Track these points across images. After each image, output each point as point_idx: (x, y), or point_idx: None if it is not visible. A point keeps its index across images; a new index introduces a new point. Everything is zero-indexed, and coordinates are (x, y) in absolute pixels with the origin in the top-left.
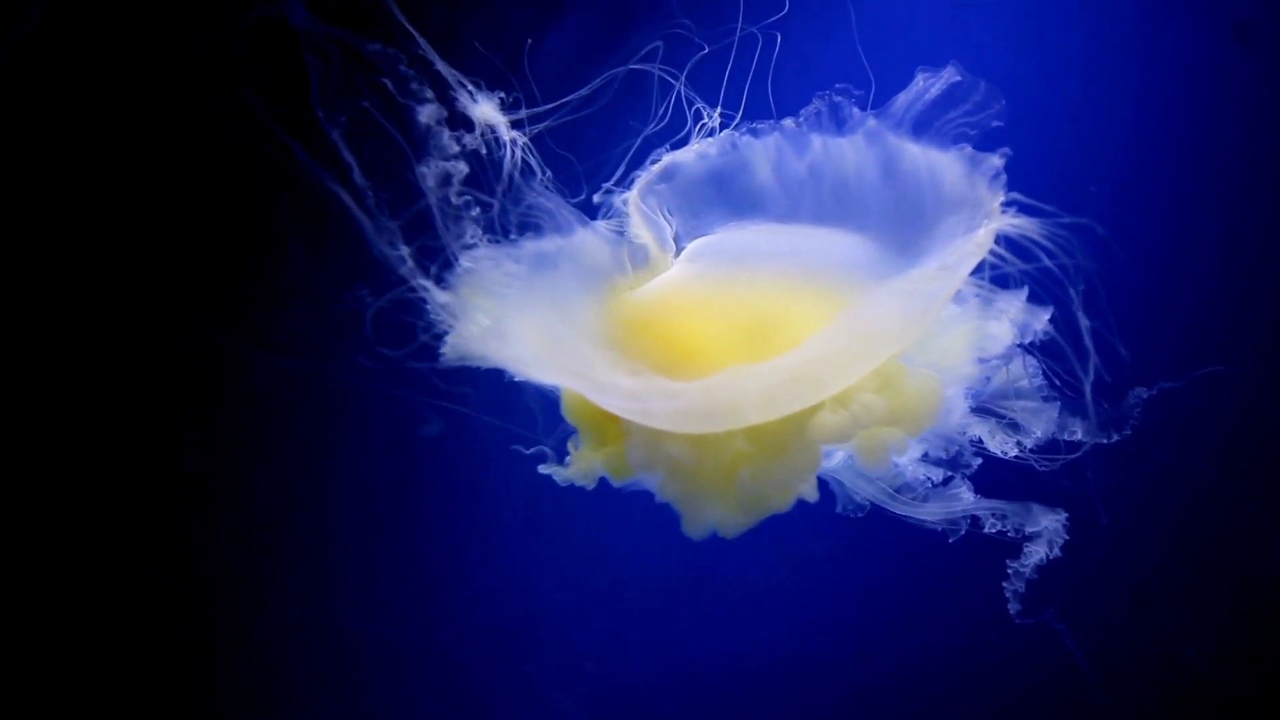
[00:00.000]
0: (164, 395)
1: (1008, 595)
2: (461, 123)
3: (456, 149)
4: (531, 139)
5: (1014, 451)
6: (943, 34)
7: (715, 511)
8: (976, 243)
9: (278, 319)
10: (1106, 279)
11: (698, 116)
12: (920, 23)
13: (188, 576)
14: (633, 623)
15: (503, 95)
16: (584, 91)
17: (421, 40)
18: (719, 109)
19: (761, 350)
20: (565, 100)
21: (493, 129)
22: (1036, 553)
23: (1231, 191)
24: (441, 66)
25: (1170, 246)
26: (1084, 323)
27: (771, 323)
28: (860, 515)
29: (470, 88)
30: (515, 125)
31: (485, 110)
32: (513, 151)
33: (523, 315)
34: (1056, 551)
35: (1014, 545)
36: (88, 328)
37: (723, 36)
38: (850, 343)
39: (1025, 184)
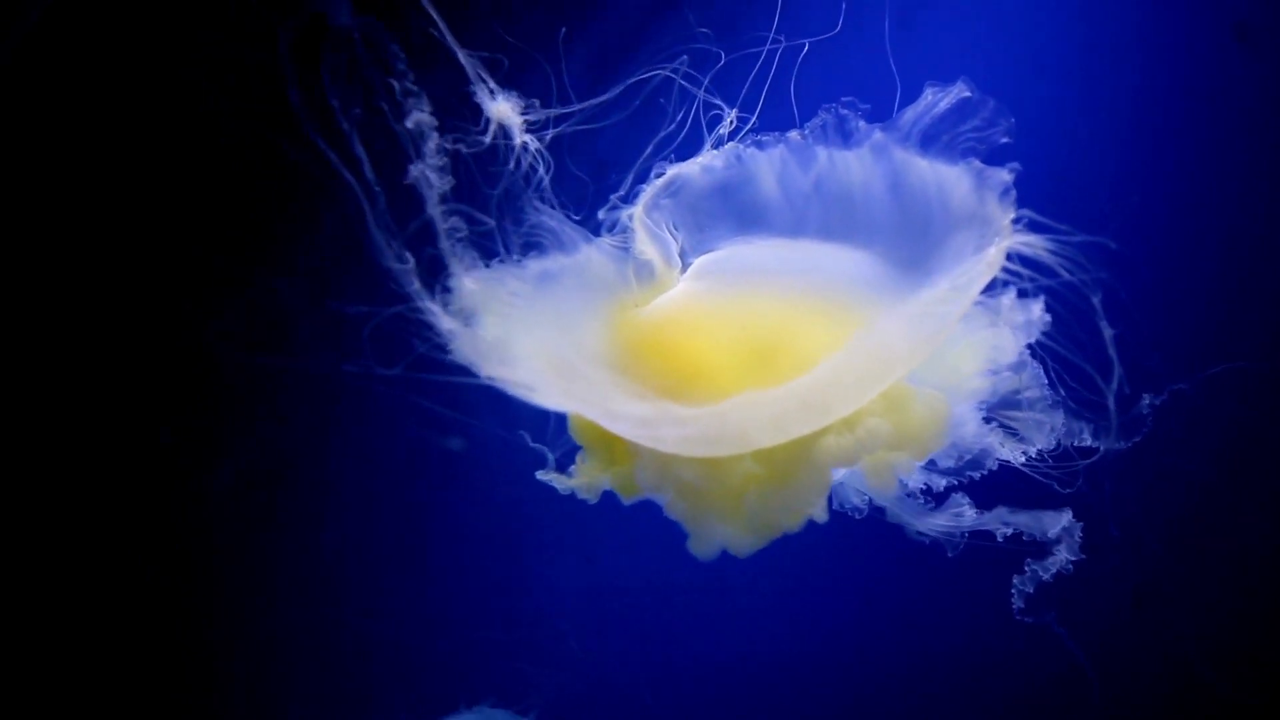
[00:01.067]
0: (163, 395)
1: (1014, 593)
2: (474, 120)
3: (458, 155)
4: (544, 146)
5: (1022, 459)
6: (944, 42)
7: (724, 531)
8: (987, 262)
9: (279, 320)
10: (1110, 285)
11: (713, 126)
12: (923, 32)
13: (188, 576)
14: (633, 623)
15: (535, 102)
16: (597, 100)
17: (446, 30)
18: (734, 111)
19: (768, 370)
20: (580, 106)
21: (505, 130)
22: (1059, 557)
23: (1231, 192)
24: (463, 57)
25: (1170, 248)
26: (1107, 331)
27: (778, 341)
28: (860, 516)
29: (491, 84)
30: (530, 128)
31: (502, 109)
32: (520, 158)
33: (527, 336)
34: (1079, 554)
35: (1014, 546)
36: (88, 328)
37: (751, 45)
38: (859, 367)
39: (1026, 187)
